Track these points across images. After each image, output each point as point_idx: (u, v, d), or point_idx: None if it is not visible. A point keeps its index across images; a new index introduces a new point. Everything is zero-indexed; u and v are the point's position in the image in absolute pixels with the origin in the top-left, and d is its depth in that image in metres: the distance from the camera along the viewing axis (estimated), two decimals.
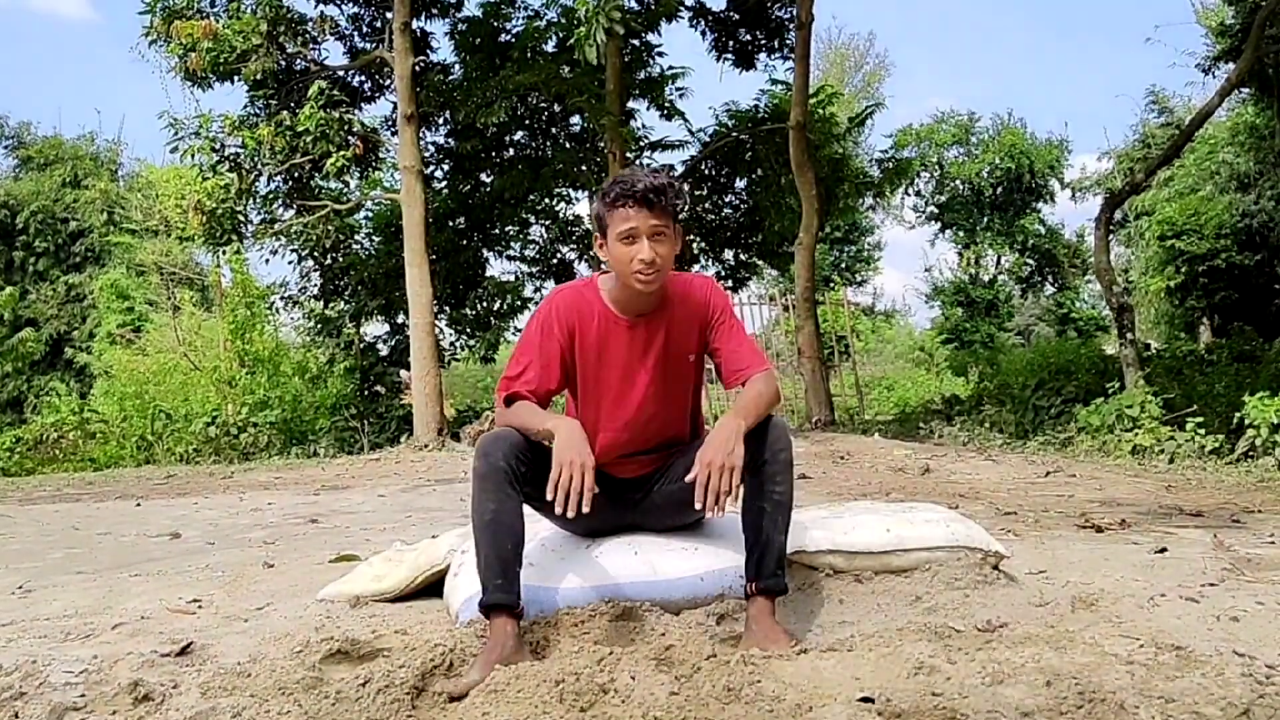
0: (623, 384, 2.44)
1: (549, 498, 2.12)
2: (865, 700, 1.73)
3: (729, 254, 16.33)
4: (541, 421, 2.25)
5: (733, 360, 2.43)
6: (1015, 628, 2.16)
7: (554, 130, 14.84)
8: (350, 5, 13.90)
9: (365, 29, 14.06)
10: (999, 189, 27.33)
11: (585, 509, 2.10)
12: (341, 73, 13.67)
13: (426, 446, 11.54)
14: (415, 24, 13.20)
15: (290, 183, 13.41)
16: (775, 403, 2.34)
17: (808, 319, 12.88)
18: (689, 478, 2.15)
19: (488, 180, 15.33)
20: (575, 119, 14.59)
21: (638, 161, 15.10)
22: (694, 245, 16.09)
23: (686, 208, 15.31)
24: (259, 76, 12.40)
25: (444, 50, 15.02)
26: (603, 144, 13.84)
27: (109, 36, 60.18)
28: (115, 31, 59.15)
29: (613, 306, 2.43)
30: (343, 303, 15.25)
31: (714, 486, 2.10)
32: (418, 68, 12.74)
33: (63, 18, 57.76)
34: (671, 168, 15.46)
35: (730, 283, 16.57)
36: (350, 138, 12.40)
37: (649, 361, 2.43)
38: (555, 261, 16.56)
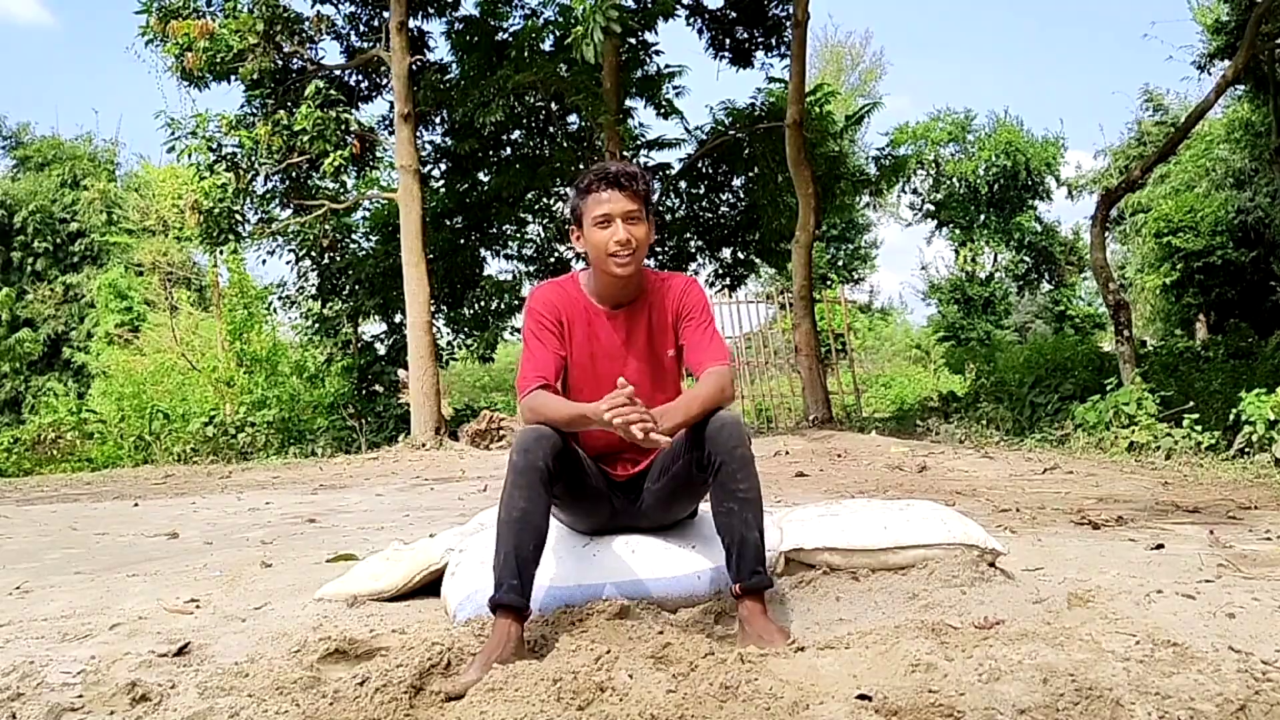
0: (613, 374, 2.44)
1: (632, 425, 2.10)
2: (863, 698, 1.73)
3: (726, 252, 16.35)
4: (570, 411, 2.27)
5: (692, 353, 2.48)
6: (1012, 624, 2.16)
7: (551, 129, 14.84)
8: (347, 4, 13.90)
9: (362, 28, 14.05)
10: (995, 186, 27.35)
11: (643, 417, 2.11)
12: (338, 72, 13.66)
13: (424, 445, 11.55)
14: (412, 23, 13.20)
15: (287, 182, 13.40)
16: (719, 400, 2.33)
17: (805, 317, 12.89)
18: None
19: (485, 179, 15.33)
20: (572, 118, 14.60)
21: (634, 159, 15.11)
22: (691, 243, 16.11)
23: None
24: (256, 76, 12.39)
25: (441, 49, 15.04)
26: (600, 142, 13.85)
27: (66, 40, 60.09)
28: (71, 36, 59.14)
29: (593, 298, 2.49)
30: (340, 302, 15.24)
31: (633, 416, 2.10)
32: (414, 67, 12.73)
33: (19, 23, 57.70)
34: (668, 165, 15.48)
35: (728, 280, 16.59)
36: (347, 137, 12.39)
37: (634, 351, 2.49)
38: (553, 260, 16.56)
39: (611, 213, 2.35)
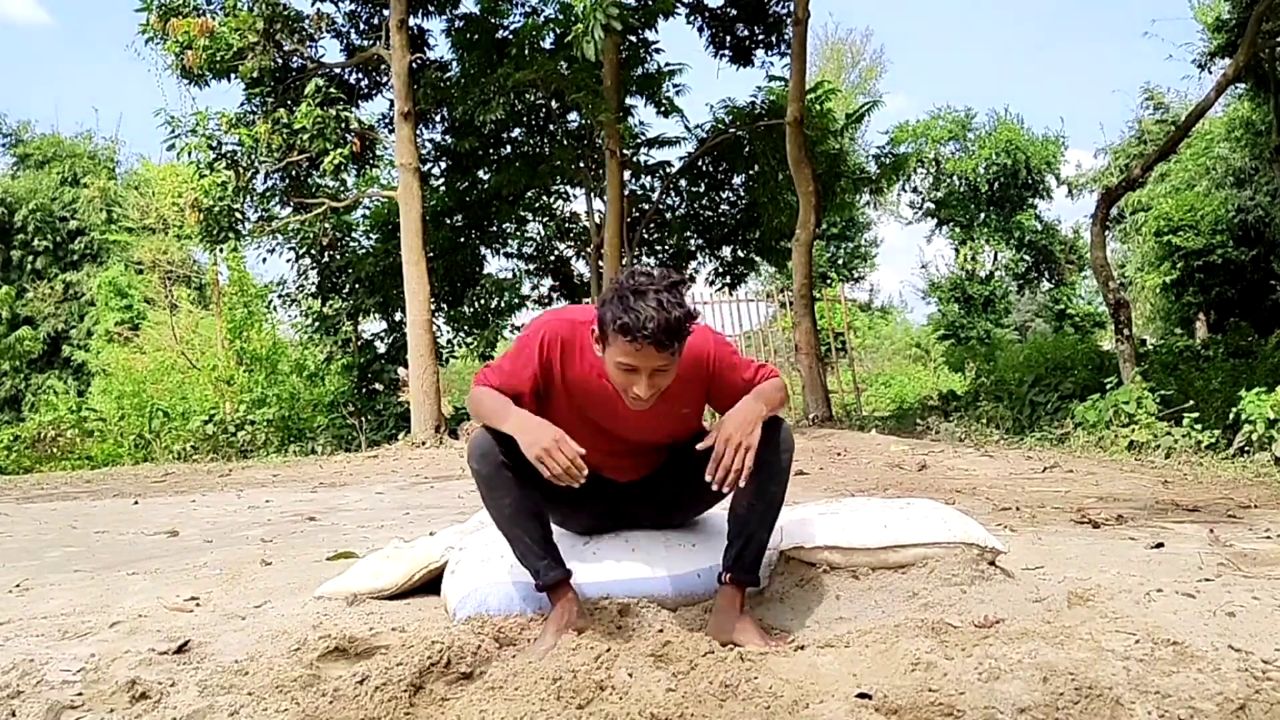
0: (610, 431, 2.36)
1: (555, 479, 2.07)
2: (863, 696, 1.73)
3: (726, 250, 16.34)
4: (502, 420, 2.19)
5: (750, 385, 2.33)
6: (1012, 623, 2.16)
7: (551, 127, 14.83)
8: (347, 2, 13.86)
9: (362, 26, 14.02)
10: (995, 185, 27.31)
11: (583, 475, 2.07)
12: (338, 70, 13.64)
13: (424, 444, 11.54)
14: (412, 21, 13.17)
15: (287, 180, 13.38)
16: (785, 402, 2.36)
17: (805, 315, 12.87)
18: (702, 446, 2.15)
19: (485, 177, 15.31)
20: (573, 116, 14.58)
21: (634, 157, 15.09)
22: (691, 241, 16.12)
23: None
24: (256, 74, 12.36)
25: (441, 47, 15.03)
26: (600, 141, 13.84)
27: (65, 38, 59.95)
28: (69, 34, 58.97)
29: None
30: (340, 300, 15.24)
31: (727, 463, 2.10)
32: (415, 65, 12.71)
33: (18, 23, 57.56)
34: (669, 163, 15.47)
35: (727, 279, 16.57)
36: (347, 135, 12.36)
37: (640, 416, 2.30)
38: (553, 259, 16.56)
39: (640, 367, 2.09)
